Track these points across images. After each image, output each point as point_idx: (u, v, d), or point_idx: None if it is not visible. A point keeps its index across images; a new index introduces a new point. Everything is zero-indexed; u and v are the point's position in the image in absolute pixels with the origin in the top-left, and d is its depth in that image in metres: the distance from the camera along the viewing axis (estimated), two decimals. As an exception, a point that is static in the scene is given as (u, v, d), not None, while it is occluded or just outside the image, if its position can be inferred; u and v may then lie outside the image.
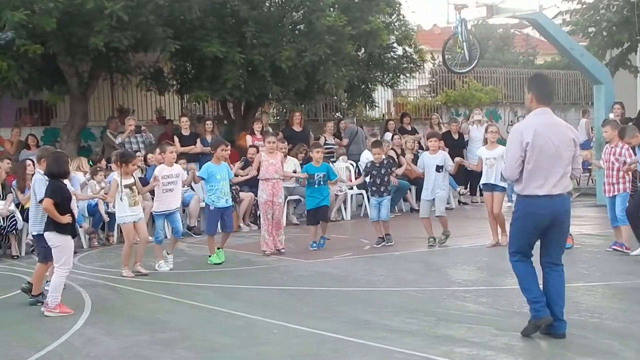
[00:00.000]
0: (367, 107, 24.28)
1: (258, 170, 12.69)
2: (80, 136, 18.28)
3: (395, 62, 22.24)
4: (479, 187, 15.66)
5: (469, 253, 12.37)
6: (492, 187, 12.66)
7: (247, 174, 13.49)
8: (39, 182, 9.45)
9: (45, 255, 9.33)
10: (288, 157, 16.61)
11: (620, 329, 7.51)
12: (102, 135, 18.96)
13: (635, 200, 11.34)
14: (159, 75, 19.05)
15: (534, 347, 6.99)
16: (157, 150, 14.63)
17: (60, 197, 8.97)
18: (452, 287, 9.78)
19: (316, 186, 12.97)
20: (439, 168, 12.80)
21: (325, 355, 6.94)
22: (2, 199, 13.44)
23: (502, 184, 12.62)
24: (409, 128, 21.08)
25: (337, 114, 24.29)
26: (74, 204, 9.65)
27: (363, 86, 22.44)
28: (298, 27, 18.75)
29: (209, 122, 18.05)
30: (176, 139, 17.40)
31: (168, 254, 11.72)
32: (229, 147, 12.92)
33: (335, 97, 23.80)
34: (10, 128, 17.89)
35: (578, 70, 22.60)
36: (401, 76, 22.87)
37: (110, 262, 12.33)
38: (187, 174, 12.88)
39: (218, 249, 12.03)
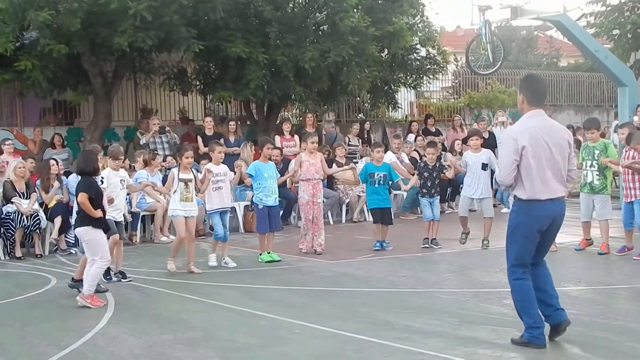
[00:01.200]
0: (390, 109, 24.23)
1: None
2: (104, 136, 18.36)
3: (418, 63, 22.21)
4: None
5: (492, 255, 12.29)
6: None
7: (290, 174, 13.40)
8: (75, 182, 9.90)
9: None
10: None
11: (645, 332, 7.47)
12: (125, 135, 19.05)
13: None
14: (183, 76, 19.11)
15: (557, 350, 6.94)
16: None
17: (92, 192, 9.22)
18: (475, 288, 9.74)
19: (376, 185, 12.96)
20: (484, 166, 12.76)
21: (347, 356, 6.93)
22: (26, 198, 13.51)
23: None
24: (433, 129, 21.06)
25: (359, 115, 24.28)
26: (105, 201, 9.75)
27: (386, 87, 22.41)
28: (321, 27, 18.76)
29: (232, 123, 18.08)
30: (199, 139, 17.46)
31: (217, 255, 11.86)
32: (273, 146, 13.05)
33: (358, 98, 23.77)
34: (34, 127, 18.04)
35: (602, 73, 22.46)
36: (424, 77, 22.83)
37: (133, 262, 12.37)
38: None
39: (268, 252, 12.07)
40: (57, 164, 14.41)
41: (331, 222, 16.77)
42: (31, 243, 13.73)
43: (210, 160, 15.29)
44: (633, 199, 11.52)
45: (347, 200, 17.18)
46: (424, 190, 13.09)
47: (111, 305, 9.28)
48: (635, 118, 17.64)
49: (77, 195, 9.26)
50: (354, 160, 17.79)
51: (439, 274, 10.90)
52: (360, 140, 19.95)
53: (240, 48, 16.67)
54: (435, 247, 12.94)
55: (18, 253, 13.30)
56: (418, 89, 24.90)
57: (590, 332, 7.43)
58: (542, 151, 6.94)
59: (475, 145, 13.00)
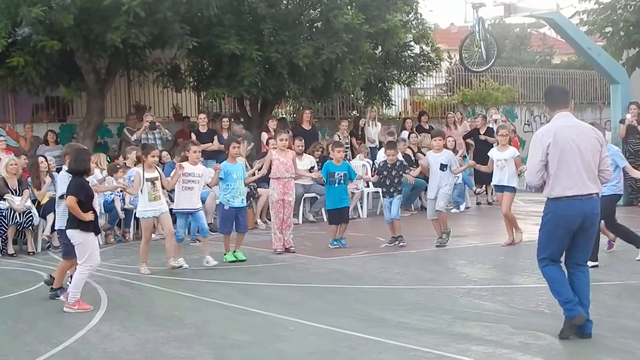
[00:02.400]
0: (384, 106, 24.23)
1: (269, 169, 12.58)
2: (97, 133, 18.32)
3: (412, 60, 22.21)
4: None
5: (485, 251, 12.35)
6: (502, 188, 12.72)
7: (255, 175, 13.24)
8: (62, 178, 9.45)
9: (67, 251, 9.36)
10: (304, 154, 16.66)
11: (637, 328, 7.49)
12: (119, 131, 19.01)
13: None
14: (176, 72, 19.09)
15: (550, 346, 6.95)
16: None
17: (83, 195, 8.94)
18: (469, 285, 9.75)
19: (336, 185, 12.91)
20: (443, 167, 12.74)
21: (342, 353, 6.93)
22: (19, 195, 13.48)
23: (513, 185, 12.74)
24: (427, 127, 21.05)
25: (354, 112, 24.28)
26: (96, 202, 9.60)
27: (380, 84, 22.40)
28: (315, 24, 18.73)
29: (225, 120, 18.06)
30: (193, 136, 17.43)
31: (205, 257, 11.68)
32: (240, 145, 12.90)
33: (352, 95, 23.77)
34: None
35: (595, 70, 22.51)
36: (418, 75, 22.82)
37: (126, 259, 12.36)
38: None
39: (234, 251, 11.97)
40: (47, 161, 14.39)
41: (325, 219, 16.74)
42: (24, 240, 13.70)
43: (206, 158, 15.37)
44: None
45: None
46: (384, 190, 13.08)
47: (104, 302, 9.26)
48: (628, 115, 17.69)
49: (66, 197, 9.00)
50: (347, 158, 17.74)
51: (432, 270, 10.91)
52: (349, 138, 19.88)
53: (234, 45, 16.63)
54: (401, 244, 12.85)
55: (10, 250, 13.28)
56: (412, 86, 24.90)
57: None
58: (569, 149, 7.02)
59: (438, 146, 12.95)
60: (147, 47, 17.01)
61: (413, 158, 17.76)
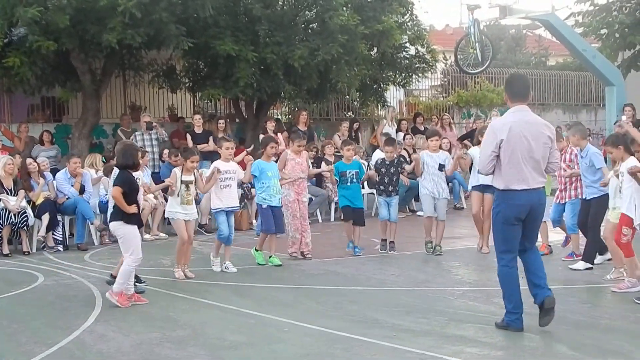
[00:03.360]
0: (379, 107, 24.24)
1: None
2: (92, 133, 18.31)
3: (407, 61, 22.20)
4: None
5: (480, 253, 12.36)
6: (483, 188, 12.42)
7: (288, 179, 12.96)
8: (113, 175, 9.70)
9: None
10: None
11: (630, 330, 7.53)
12: (114, 132, 19.00)
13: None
14: (172, 73, 19.08)
15: (545, 348, 6.99)
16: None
17: (127, 187, 9.06)
18: (463, 287, 9.78)
19: (348, 184, 12.72)
20: (441, 167, 12.55)
21: (336, 354, 6.95)
22: (14, 195, 13.47)
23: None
24: (422, 128, 21.07)
25: (349, 113, 24.30)
26: (140, 197, 9.69)
27: (375, 86, 22.40)
28: (311, 25, 18.73)
29: (221, 121, 18.06)
30: (189, 136, 17.44)
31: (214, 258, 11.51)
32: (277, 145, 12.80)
33: (348, 97, 23.79)
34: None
35: (590, 72, 22.58)
36: (413, 76, 22.83)
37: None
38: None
39: (270, 256, 11.77)
40: (36, 162, 14.40)
41: (320, 221, 16.79)
42: (19, 240, 13.68)
43: (202, 159, 15.30)
44: (566, 200, 11.52)
45: (335, 199, 17.15)
46: (381, 188, 12.82)
47: (99, 303, 9.27)
48: (624, 117, 17.72)
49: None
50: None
51: (427, 272, 10.93)
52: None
53: (229, 46, 16.63)
54: (392, 251, 12.70)
55: (5, 250, 13.27)
56: (407, 88, 24.92)
57: (577, 331, 7.49)
58: (520, 145, 7.41)
59: (435, 146, 12.72)
60: (142, 47, 17.00)
61: (408, 159, 17.76)
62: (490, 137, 7.52)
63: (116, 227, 9.13)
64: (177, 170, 10.98)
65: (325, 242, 13.72)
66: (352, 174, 12.69)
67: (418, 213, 17.08)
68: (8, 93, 18.40)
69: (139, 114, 19.36)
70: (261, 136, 17.88)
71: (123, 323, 8.26)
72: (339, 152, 16.87)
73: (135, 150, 9.52)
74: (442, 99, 27.83)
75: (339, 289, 9.92)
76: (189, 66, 19.11)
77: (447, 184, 17.56)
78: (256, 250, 11.94)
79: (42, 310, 9.11)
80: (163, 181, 11.79)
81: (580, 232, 11.22)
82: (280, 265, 11.58)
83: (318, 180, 17.07)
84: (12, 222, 13.25)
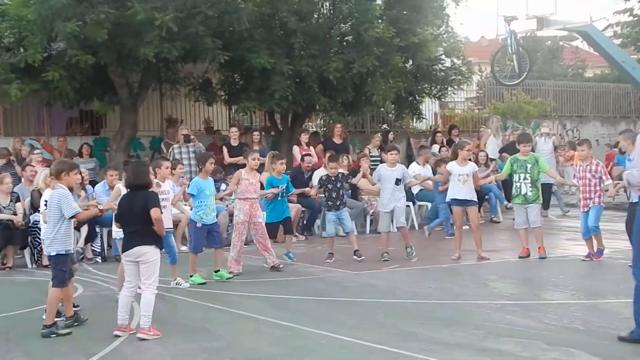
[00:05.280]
0: (414, 119, 24.21)
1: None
2: (130, 146, 18.48)
3: (443, 74, 22.17)
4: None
5: (518, 266, 12.30)
6: (464, 203, 12.78)
7: (227, 192, 12.83)
8: (62, 197, 8.60)
9: (63, 279, 8.64)
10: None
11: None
12: (151, 145, 19.16)
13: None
14: (208, 86, 19.20)
15: (584, 363, 6.90)
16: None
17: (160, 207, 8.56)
18: (501, 300, 9.69)
19: (279, 198, 12.84)
20: (397, 181, 12.89)
21: (372, 367, 6.92)
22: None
23: (475, 199, 12.93)
24: (457, 140, 20.96)
25: (384, 125, 24.27)
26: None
27: (410, 98, 22.38)
28: (346, 38, 18.78)
29: (256, 133, 18.14)
30: (225, 149, 17.52)
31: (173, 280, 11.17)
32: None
33: (383, 109, 23.78)
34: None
35: (629, 84, 22.33)
36: (449, 88, 22.77)
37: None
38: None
39: (217, 270, 11.65)
40: (80, 173, 14.49)
41: (355, 233, 16.72)
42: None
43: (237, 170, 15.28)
44: (590, 206, 12.16)
45: (371, 211, 17.13)
46: (330, 203, 13.05)
47: (137, 313, 9.29)
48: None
49: (150, 211, 8.27)
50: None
51: (463, 285, 10.85)
52: (379, 151, 19.87)
53: (265, 59, 16.71)
54: (358, 259, 12.89)
55: (45, 261, 13.37)
56: (442, 100, 24.86)
57: (618, 346, 7.36)
58: None
59: (393, 160, 13.02)
60: (179, 61, 17.15)
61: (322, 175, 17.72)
62: None
63: (146, 251, 8.36)
64: (120, 186, 10.39)
65: (360, 255, 13.70)
66: (283, 188, 12.82)
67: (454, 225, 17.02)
68: (47, 107, 18.65)
69: (175, 126, 19.50)
70: (295, 148, 17.97)
71: (161, 334, 8.27)
72: (375, 166, 16.86)
73: (147, 168, 8.99)
74: (477, 111, 27.72)
75: (375, 301, 9.87)
76: (224, 79, 19.24)
77: (484, 197, 17.65)
78: (190, 276, 11.42)
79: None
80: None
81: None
82: (230, 278, 11.53)
83: (353, 192, 17.05)
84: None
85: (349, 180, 13.45)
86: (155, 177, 10.55)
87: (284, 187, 12.83)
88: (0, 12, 16.37)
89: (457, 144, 13.93)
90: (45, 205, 9.40)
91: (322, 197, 13.78)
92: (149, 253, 8.39)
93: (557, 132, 27.17)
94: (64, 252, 8.62)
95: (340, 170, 13.63)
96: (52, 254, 8.63)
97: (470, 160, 13.37)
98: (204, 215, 11.60)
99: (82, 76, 16.42)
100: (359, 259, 12.89)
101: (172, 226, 11.49)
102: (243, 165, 16.62)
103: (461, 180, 12.76)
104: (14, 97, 15.55)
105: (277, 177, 12.89)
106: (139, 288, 8.60)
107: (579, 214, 12.55)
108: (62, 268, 8.62)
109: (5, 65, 15.51)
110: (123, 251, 8.58)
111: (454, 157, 13.17)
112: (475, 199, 12.98)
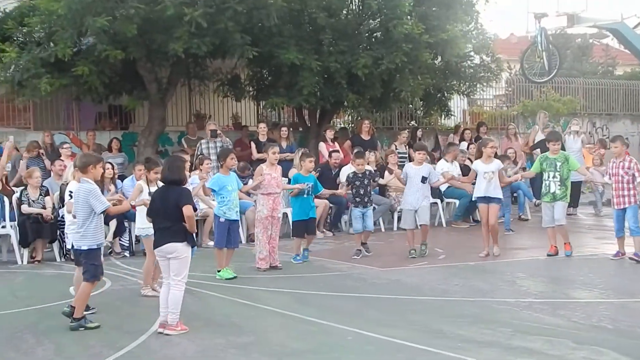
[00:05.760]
0: (443, 116, 24.12)
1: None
2: (158, 141, 18.56)
3: (472, 71, 22.03)
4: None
5: (546, 264, 12.24)
6: (489, 200, 12.81)
7: (253, 184, 12.45)
8: (90, 192, 8.60)
9: (95, 274, 8.69)
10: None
11: None
12: (179, 140, 19.23)
13: None
14: (236, 82, 19.24)
15: (613, 362, 6.85)
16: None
17: (194, 204, 8.50)
18: (529, 298, 9.64)
19: (305, 196, 12.79)
20: (424, 179, 12.93)
21: (400, 364, 6.91)
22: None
23: (499, 196, 12.92)
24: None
25: (412, 122, 24.20)
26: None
27: (439, 95, 22.29)
28: (375, 34, 18.73)
29: (284, 129, 18.14)
30: (253, 145, 17.54)
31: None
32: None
33: (411, 106, 23.70)
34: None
35: (660, 81, 22.14)
36: (478, 85, 22.65)
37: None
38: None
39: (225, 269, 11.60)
40: (113, 168, 14.60)
41: (382, 230, 16.74)
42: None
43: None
44: (626, 206, 12.13)
45: (399, 208, 17.09)
46: (357, 200, 13.07)
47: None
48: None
49: (182, 208, 8.20)
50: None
51: (491, 283, 10.80)
52: (408, 148, 19.81)
53: (293, 55, 16.71)
54: (367, 254, 13.02)
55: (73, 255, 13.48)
56: (471, 97, 24.73)
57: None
58: None
59: (420, 160, 13.07)
60: (208, 56, 17.18)
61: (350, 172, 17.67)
62: None
63: (178, 248, 8.32)
64: (142, 183, 10.43)
65: (387, 251, 13.68)
66: (310, 187, 12.77)
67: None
68: (77, 101, 18.76)
69: (203, 122, 19.56)
70: (322, 145, 17.97)
71: (188, 328, 8.30)
72: (403, 162, 16.85)
73: (183, 163, 8.87)
74: (506, 108, 27.57)
75: (402, 298, 9.87)
76: (253, 75, 19.27)
77: (512, 195, 17.59)
78: (218, 271, 11.53)
79: (110, 314, 9.21)
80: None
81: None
82: (235, 277, 11.39)
83: (381, 189, 17.03)
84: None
85: (376, 179, 13.42)
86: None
87: (310, 186, 12.80)
88: (30, 7, 16.49)
89: (481, 142, 13.88)
90: (71, 195, 9.42)
91: (349, 193, 13.76)
92: (180, 250, 8.34)
93: (587, 130, 26.96)
94: (95, 247, 8.66)
95: (368, 168, 13.63)
96: (84, 248, 8.66)
97: (495, 157, 13.33)
98: (227, 210, 11.61)
99: (111, 71, 16.51)
100: (368, 253, 13.05)
101: None
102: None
103: (487, 177, 12.78)
104: (43, 92, 15.65)
105: (304, 175, 12.87)
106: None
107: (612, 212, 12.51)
108: (94, 262, 8.66)
109: (35, 59, 15.61)
110: (155, 247, 8.59)
111: (479, 155, 13.17)
112: (500, 196, 12.96)
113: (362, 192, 13.02)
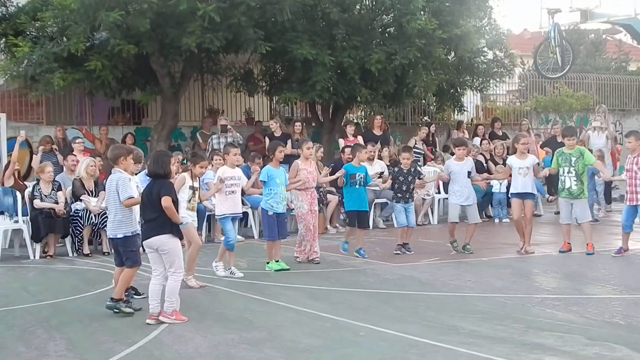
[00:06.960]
0: (456, 112, 24.07)
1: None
2: (171, 136, 18.59)
3: (485, 66, 21.97)
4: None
5: (559, 260, 12.19)
6: (524, 196, 12.74)
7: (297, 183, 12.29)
8: (120, 180, 8.88)
9: (135, 259, 8.94)
10: (375, 159, 16.66)
11: None
12: (192, 135, 19.26)
13: None
14: (249, 77, 19.25)
15: (625, 359, 6.81)
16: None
17: (174, 196, 8.64)
18: (541, 294, 9.61)
19: (357, 187, 12.72)
20: (469, 174, 12.90)
21: (411, 360, 6.90)
22: (95, 197, 13.72)
23: (534, 192, 12.95)
24: (500, 133, 20.83)
25: (425, 117, 24.16)
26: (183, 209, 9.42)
27: (452, 90, 22.26)
28: (388, 30, 18.71)
29: (298, 124, 18.15)
30: (267, 139, 17.54)
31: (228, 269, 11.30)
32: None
33: (424, 101, 23.66)
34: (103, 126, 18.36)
35: (674, 77, 22.02)
36: (491, 81, 22.58)
37: (199, 261, 12.45)
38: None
39: (277, 260, 11.68)
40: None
41: (395, 226, 16.69)
42: (99, 240, 13.93)
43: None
44: (639, 202, 12.06)
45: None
46: (399, 195, 12.99)
47: (177, 303, 9.34)
48: None
49: (159, 199, 8.38)
50: (418, 164, 17.65)
51: (504, 279, 10.77)
52: (424, 144, 19.80)
53: (306, 50, 16.70)
54: (408, 252, 12.89)
55: (86, 250, 13.53)
56: (484, 93, 24.66)
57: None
58: None
59: (461, 155, 12.98)
60: (221, 51, 17.20)
61: (485, 165, 17.62)
62: None
63: (163, 241, 8.48)
64: (186, 175, 10.51)
65: (400, 247, 13.67)
66: (361, 177, 12.71)
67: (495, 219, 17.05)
68: (89, 96, 18.80)
69: (216, 117, 19.58)
70: (341, 141, 17.97)
71: (200, 324, 8.32)
72: (418, 158, 16.83)
73: (169, 158, 8.88)
74: (519, 104, 27.48)
75: (415, 294, 9.85)
76: (266, 70, 19.29)
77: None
78: (267, 263, 11.70)
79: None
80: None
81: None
82: (288, 269, 11.55)
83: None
84: (93, 222, 13.53)
85: (421, 177, 13.35)
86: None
87: (362, 176, 12.73)
88: (43, 1, 16.55)
89: (514, 138, 13.84)
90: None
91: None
92: (166, 242, 8.52)
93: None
94: (130, 234, 8.90)
95: (380, 162, 13.57)
96: (119, 236, 8.89)
97: (528, 152, 13.27)
98: (275, 204, 11.64)
99: (124, 66, 16.54)
100: (408, 252, 12.92)
101: (240, 212, 11.81)
102: (286, 156, 16.74)
103: (522, 173, 12.73)
104: (56, 86, 15.71)
105: (355, 166, 12.83)
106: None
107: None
108: (132, 248, 8.93)
109: (48, 54, 15.66)
110: (142, 240, 8.80)
111: (514, 151, 13.12)
112: (535, 192, 12.97)
113: (404, 189, 12.94)
